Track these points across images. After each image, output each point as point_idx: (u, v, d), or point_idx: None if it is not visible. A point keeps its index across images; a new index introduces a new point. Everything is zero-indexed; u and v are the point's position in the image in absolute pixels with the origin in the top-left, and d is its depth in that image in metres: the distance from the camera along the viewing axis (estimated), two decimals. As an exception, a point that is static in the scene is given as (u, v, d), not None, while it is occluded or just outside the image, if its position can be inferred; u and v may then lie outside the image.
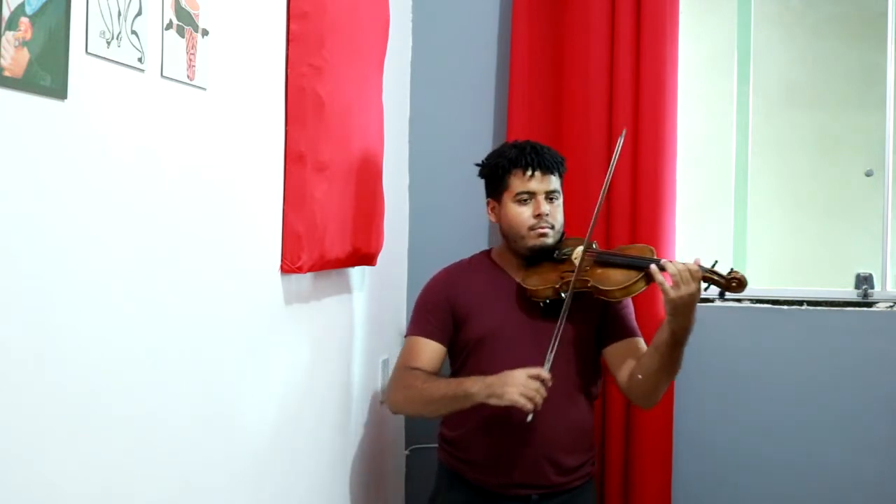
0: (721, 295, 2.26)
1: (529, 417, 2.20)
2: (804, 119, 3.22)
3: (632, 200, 2.97)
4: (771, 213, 3.21)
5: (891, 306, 2.94)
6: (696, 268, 2.21)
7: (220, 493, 1.83)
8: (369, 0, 2.51)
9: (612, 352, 2.43)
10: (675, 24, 2.98)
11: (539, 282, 2.38)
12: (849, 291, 2.99)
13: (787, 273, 3.19)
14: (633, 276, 2.28)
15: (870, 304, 2.95)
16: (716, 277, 2.24)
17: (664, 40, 2.95)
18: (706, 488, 3.03)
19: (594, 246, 2.44)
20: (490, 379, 2.24)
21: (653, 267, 2.24)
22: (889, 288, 2.99)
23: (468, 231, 3.08)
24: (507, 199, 2.43)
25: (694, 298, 2.20)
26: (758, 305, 3.02)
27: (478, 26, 3.18)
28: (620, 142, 2.38)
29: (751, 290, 3.05)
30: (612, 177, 2.93)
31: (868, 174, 3.05)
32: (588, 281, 2.32)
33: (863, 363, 2.93)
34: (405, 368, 2.44)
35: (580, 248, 2.36)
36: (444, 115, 3.18)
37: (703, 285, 2.23)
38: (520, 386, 2.19)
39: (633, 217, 2.96)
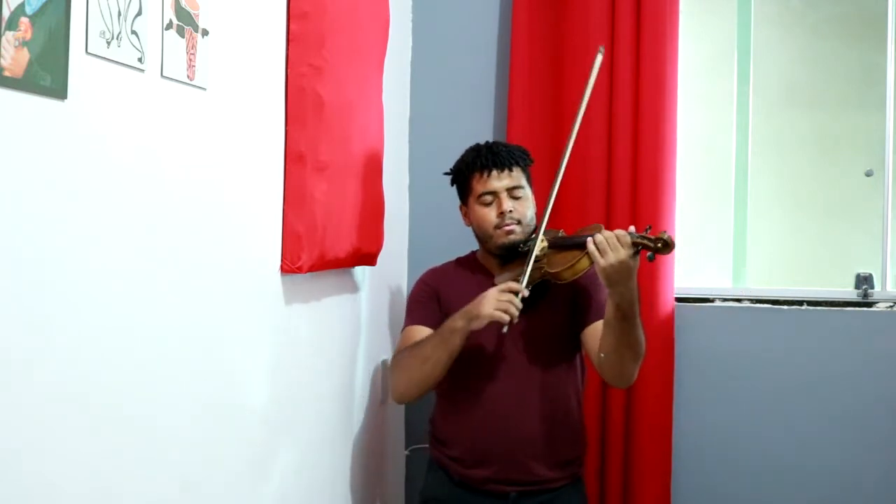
0: (650, 258, 2.18)
1: (505, 329, 2.27)
2: (804, 119, 3.22)
3: (632, 200, 2.97)
4: (771, 213, 3.21)
5: (891, 306, 2.94)
6: (623, 233, 2.18)
7: (220, 493, 1.83)
8: (369, 0, 2.51)
9: (588, 334, 2.45)
10: (675, 24, 2.98)
11: (508, 277, 2.41)
12: (849, 291, 2.99)
13: (787, 273, 3.19)
14: (576, 254, 2.29)
15: (870, 304, 2.95)
16: (644, 241, 2.17)
17: (664, 40, 2.95)
18: (706, 488, 3.02)
19: (560, 234, 2.46)
20: (467, 307, 2.33)
21: (588, 240, 2.22)
22: (889, 288, 2.98)
23: (468, 231, 3.07)
24: (472, 202, 2.50)
25: (625, 265, 2.16)
26: (758, 305, 3.02)
27: (478, 26, 3.18)
28: (598, 60, 2.38)
29: (751, 290, 3.07)
30: (612, 176, 2.97)
31: (868, 174, 3.05)
32: (543, 267, 2.36)
33: (863, 363, 2.93)
34: (396, 353, 2.53)
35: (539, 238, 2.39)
36: (444, 115, 3.18)
37: (633, 251, 2.17)
38: (493, 301, 2.28)
39: (633, 217, 2.95)
